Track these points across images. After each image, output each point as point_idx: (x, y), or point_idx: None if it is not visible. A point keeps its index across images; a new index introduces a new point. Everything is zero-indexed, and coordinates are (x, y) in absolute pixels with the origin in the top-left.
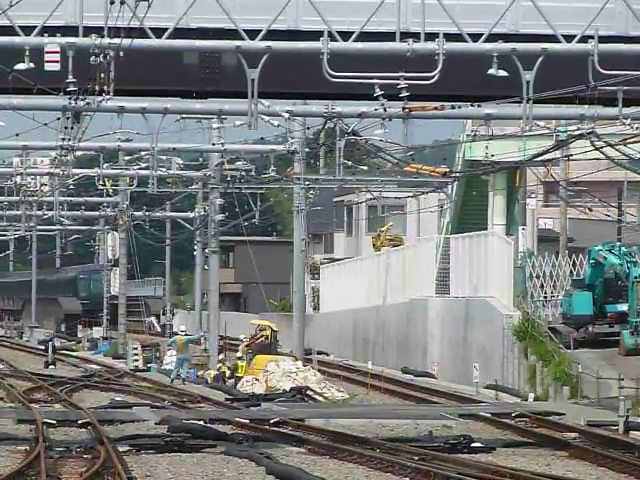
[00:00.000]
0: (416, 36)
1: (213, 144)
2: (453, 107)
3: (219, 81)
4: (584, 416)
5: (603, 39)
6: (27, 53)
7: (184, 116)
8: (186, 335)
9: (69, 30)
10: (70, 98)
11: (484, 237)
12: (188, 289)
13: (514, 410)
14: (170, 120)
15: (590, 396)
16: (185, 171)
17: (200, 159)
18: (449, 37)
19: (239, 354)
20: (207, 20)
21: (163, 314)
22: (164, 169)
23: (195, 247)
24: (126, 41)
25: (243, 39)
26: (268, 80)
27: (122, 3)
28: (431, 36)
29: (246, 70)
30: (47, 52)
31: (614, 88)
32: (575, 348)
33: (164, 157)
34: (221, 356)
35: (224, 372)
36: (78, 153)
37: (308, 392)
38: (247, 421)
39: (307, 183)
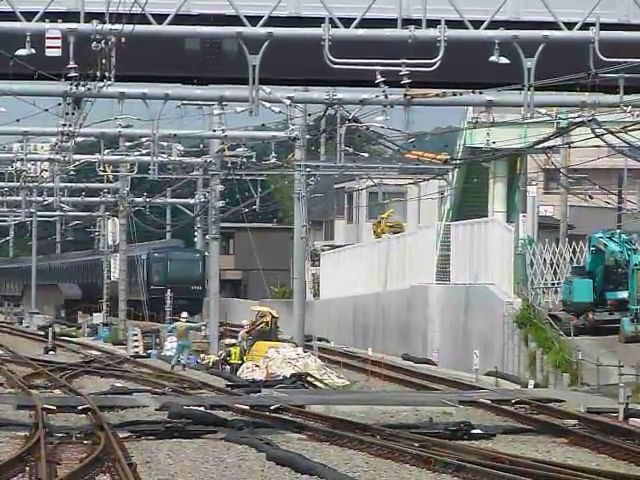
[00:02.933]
0: (418, 23)
1: (214, 130)
2: (454, 94)
3: (220, 67)
4: (584, 403)
5: (604, 26)
6: (28, 39)
7: (185, 102)
8: (187, 322)
9: (70, 16)
10: (71, 84)
11: (484, 224)
12: None
13: (514, 397)
14: (171, 106)
15: (590, 383)
16: (186, 157)
17: (201, 145)
18: (451, 24)
19: (232, 340)
20: (208, 6)
21: None
22: (165, 155)
23: (195, 233)
24: (127, 27)
25: (244, 25)
26: (269, 66)
27: None
28: (433, 23)
29: (247, 56)
30: (48, 38)
31: (615, 75)
32: (575, 335)
33: (165, 143)
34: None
35: (224, 358)
36: (79, 139)
37: (308, 378)
38: (247, 407)
39: (308, 170)
